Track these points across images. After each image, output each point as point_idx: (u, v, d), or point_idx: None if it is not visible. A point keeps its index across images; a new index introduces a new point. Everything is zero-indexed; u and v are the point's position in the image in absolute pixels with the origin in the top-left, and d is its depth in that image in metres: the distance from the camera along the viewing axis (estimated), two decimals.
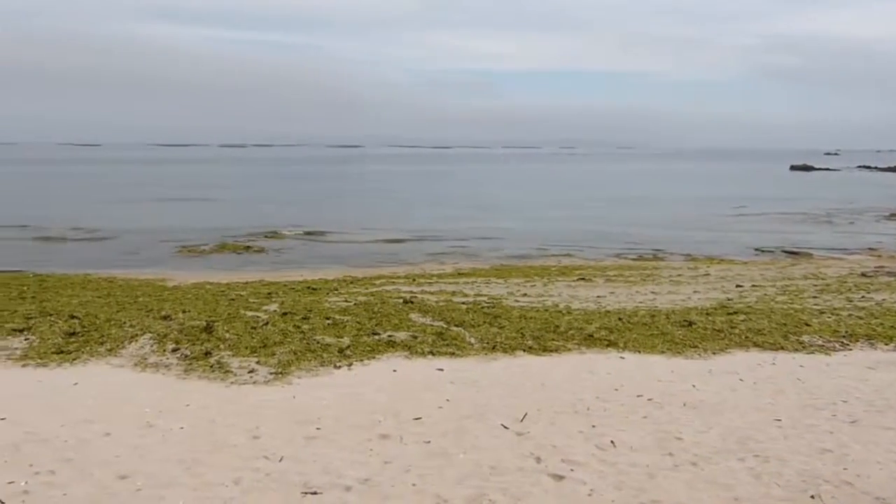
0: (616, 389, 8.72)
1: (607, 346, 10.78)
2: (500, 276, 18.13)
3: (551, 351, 10.50)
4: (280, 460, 6.54)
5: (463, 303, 13.77)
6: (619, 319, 12.35)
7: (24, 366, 9.57)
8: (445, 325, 11.72)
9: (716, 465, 6.57)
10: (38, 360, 9.77)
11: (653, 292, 15.62)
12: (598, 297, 14.90)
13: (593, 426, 7.49)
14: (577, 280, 17.43)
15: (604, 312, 13.05)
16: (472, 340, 10.93)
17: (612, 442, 7.06)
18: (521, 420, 7.65)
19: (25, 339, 10.73)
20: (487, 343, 10.78)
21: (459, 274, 18.69)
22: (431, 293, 14.97)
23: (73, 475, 6.15)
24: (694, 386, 8.93)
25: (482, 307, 13.29)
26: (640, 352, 10.54)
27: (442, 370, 9.50)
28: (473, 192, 58.63)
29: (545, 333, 11.32)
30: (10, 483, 5.95)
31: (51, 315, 12.12)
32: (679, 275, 18.59)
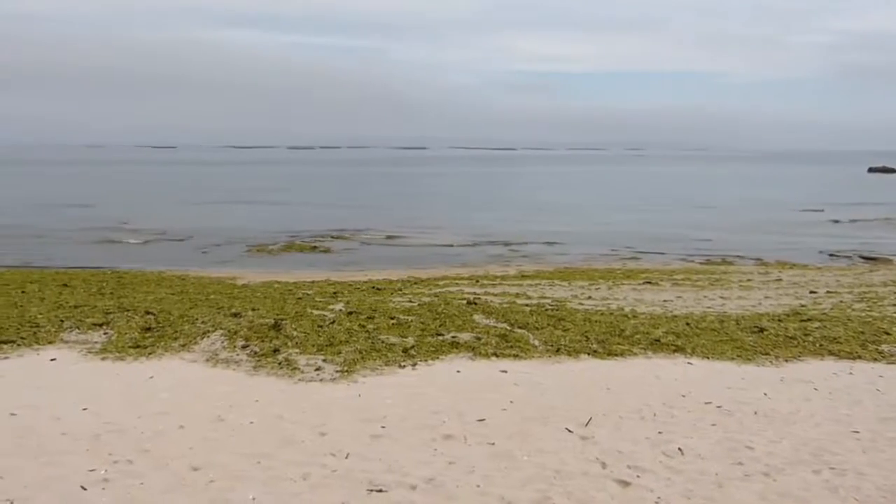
0: (683, 396, 8.54)
1: (674, 351, 10.57)
2: (564, 278, 17.99)
3: (616, 355, 10.36)
4: (346, 457, 6.65)
5: (526, 305, 13.71)
6: (687, 324, 12.09)
7: (103, 359, 9.96)
8: (509, 327, 11.70)
9: (789, 477, 6.37)
10: (117, 354, 10.15)
11: (722, 297, 15.24)
12: (664, 301, 14.63)
13: (660, 432, 7.36)
14: (643, 283, 17.15)
15: (671, 317, 12.81)
16: (536, 343, 10.88)
17: (679, 449, 6.93)
18: (586, 424, 7.58)
19: (104, 334, 11.17)
20: (551, 346, 10.70)
21: (523, 276, 18.62)
22: (495, 295, 14.96)
23: (150, 465, 6.39)
24: (765, 394, 8.68)
25: (546, 309, 13.21)
26: (708, 358, 10.30)
27: (505, 372, 9.49)
28: (537, 193, 58.35)
29: (610, 337, 11.18)
30: (91, 471, 6.22)
31: (128, 311, 12.57)
32: (749, 279, 18.09)
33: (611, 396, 8.50)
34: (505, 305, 13.53)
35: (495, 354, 10.27)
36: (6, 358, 9.93)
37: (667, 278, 18.16)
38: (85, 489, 5.87)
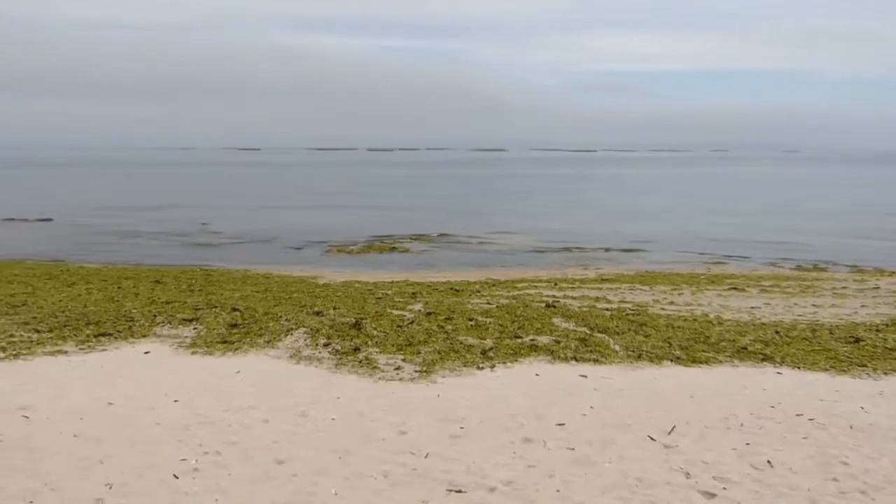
0: (772, 406, 8.23)
1: (762, 360, 10.20)
2: (646, 282, 17.63)
3: (701, 362, 10.08)
4: (426, 456, 6.69)
5: (606, 309, 13.51)
6: (776, 332, 11.67)
7: (193, 353, 10.34)
8: (589, 331, 11.54)
9: (890, 497, 6.04)
10: (205, 349, 10.53)
11: (814, 305, 14.62)
12: (751, 308, 14.14)
13: (747, 444, 7.11)
14: (729, 289, 16.63)
15: (759, 324, 12.38)
16: (617, 348, 10.70)
17: (768, 462, 6.68)
18: (669, 433, 7.40)
19: (194, 329, 11.60)
20: (633, 351, 10.51)
21: (603, 279, 18.34)
22: (574, 298, 14.79)
23: (237, 457, 6.59)
24: (862, 408, 8.27)
25: (627, 314, 12.98)
26: (799, 368, 9.90)
27: (585, 377, 9.37)
28: (617, 196, 57.41)
29: (694, 344, 10.89)
30: (182, 460, 6.47)
31: (215, 307, 13.01)
32: (844, 287, 17.29)
33: (695, 405, 8.27)
34: (584, 309, 13.36)
35: (574, 358, 10.16)
36: (104, 350, 10.44)
37: (754, 284, 17.55)
38: (177, 477, 6.11)
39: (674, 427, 7.53)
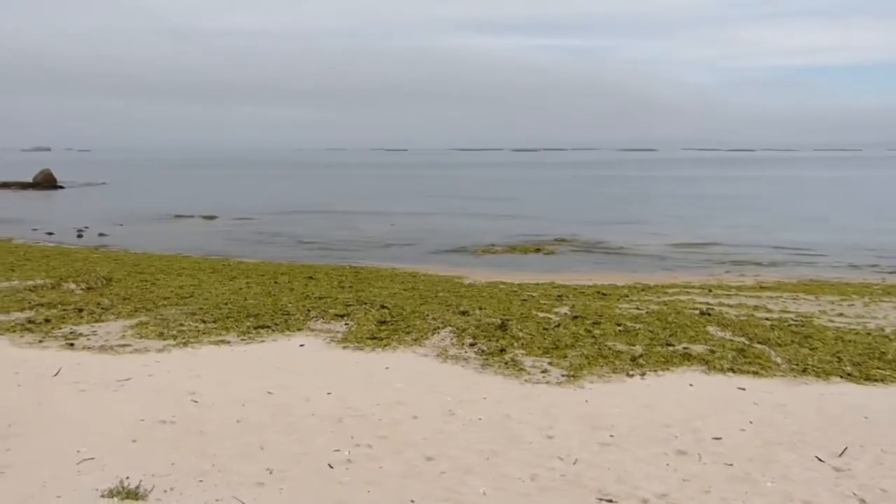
0: None
1: None
2: (810, 291, 16.41)
3: (876, 380, 9.23)
4: (574, 463, 6.54)
5: (767, 319, 12.70)
6: None
7: (344, 348, 10.70)
8: (747, 342, 10.89)
9: None
10: (356, 344, 10.86)
11: None
12: None
13: None
14: None
15: None
16: (779, 360, 10.02)
17: None
18: (840, 454, 6.82)
19: (345, 324, 12.00)
20: (797, 365, 9.80)
21: (762, 287, 17.26)
22: (730, 306, 14.02)
23: (387, 451, 6.73)
24: None
25: (789, 325, 12.14)
26: None
27: (744, 389, 8.83)
28: (777, 198, 54.06)
29: (868, 360, 10.00)
30: (336, 451, 6.69)
31: (365, 304, 13.42)
32: None
33: (870, 426, 7.58)
34: (742, 318, 12.63)
35: (731, 370, 9.61)
36: (263, 341, 11.02)
37: None
38: (332, 467, 6.32)
39: (845, 449, 6.93)
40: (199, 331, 11.44)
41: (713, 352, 10.32)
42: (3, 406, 7.40)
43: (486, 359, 10.04)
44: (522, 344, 10.67)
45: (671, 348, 10.50)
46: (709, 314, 12.86)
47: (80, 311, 12.59)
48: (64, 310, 12.62)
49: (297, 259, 23.30)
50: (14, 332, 11.21)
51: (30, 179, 60.36)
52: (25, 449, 6.32)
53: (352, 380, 9.02)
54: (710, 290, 16.34)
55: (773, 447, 7.00)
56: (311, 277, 17.40)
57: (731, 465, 6.57)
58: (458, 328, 11.49)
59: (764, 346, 10.64)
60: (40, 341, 10.73)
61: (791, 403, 8.31)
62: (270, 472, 6.15)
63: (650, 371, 9.54)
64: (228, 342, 10.90)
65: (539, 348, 10.46)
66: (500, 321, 11.85)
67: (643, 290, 16.45)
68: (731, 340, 10.98)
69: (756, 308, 13.87)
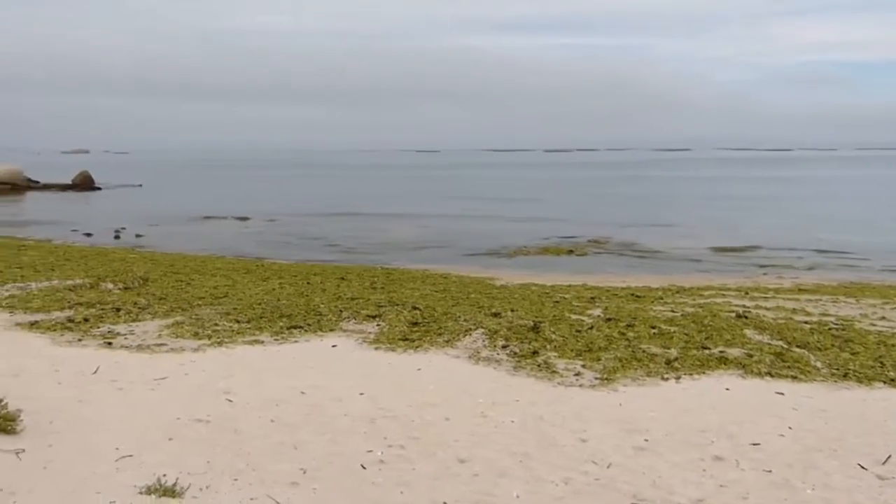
0: None
1: None
2: (851, 294, 16.06)
3: None
4: (608, 467, 6.47)
5: (806, 322, 12.45)
6: None
7: (376, 349, 10.72)
8: (786, 346, 10.69)
9: None
10: (388, 345, 10.87)
11: None
12: None
13: None
14: None
15: None
16: (819, 365, 9.82)
17: None
18: (884, 462, 6.65)
19: (377, 325, 12.03)
20: (837, 369, 9.59)
21: (800, 290, 16.94)
22: (767, 309, 13.78)
23: (420, 452, 6.72)
24: None
25: (829, 328, 11.90)
26: None
27: (782, 394, 8.66)
28: (815, 199, 53.04)
29: None
30: (368, 451, 6.69)
31: (397, 305, 13.43)
32: None
33: None
34: (780, 321, 12.41)
35: (769, 374, 9.44)
36: (296, 342, 11.09)
37: None
38: (364, 468, 6.33)
39: (889, 457, 6.75)
40: (233, 331, 11.54)
41: (750, 355, 10.15)
42: (45, 403, 7.53)
43: (519, 361, 9.99)
44: (555, 346, 10.60)
45: (707, 351, 10.35)
46: (745, 317, 12.65)
47: (118, 310, 12.80)
48: (102, 309, 12.83)
49: (328, 260, 23.45)
50: (55, 330, 11.42)
51: (69, 181, 61.60)
52: (66, 445, 6.43)
53: (384, 381, 9.03)
54: (746, 293, 16.08)
55: (814, 454, 6.85)
56: (342, 278, 17.48)
57: (770, 471, 6.45)
58: (490, 330, 11.46)
59: (803, 350, 10.44)
60: (79, 340, 10.91)
61: (832, 409, 8.13)
62: (304, 472, 6.18)
63: (685, 374, 9.41)
64: (262, 342, 10.99)
65: (572, 350, 10.38)
66: (532, 323, 11.79)
67: (678, 292, 16.25)
68: (769, 344, 10.78)
69: (794, 311, 13.62)
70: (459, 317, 12.41)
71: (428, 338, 11.19)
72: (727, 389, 8.85)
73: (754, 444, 7.04)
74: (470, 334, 11.32)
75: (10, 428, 6.48)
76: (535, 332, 11.27)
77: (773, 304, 14.50)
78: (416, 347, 10.73)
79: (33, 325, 11.70)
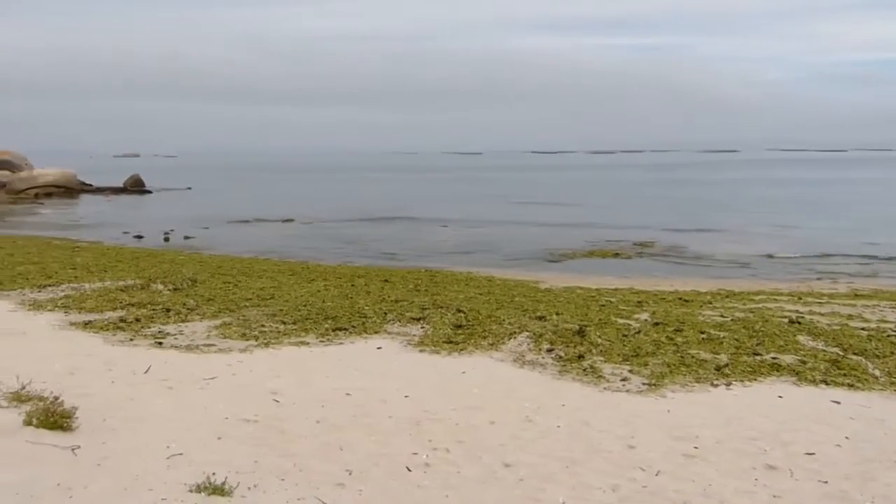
0: None
1: None
2: None
3: None
4: (656, 474, 6.35)
5: (863, 329, 12.08)
6: None
7: (420, 351, 10.72)
8: (841, 353, 10.38)
9: None
10: (432, 348, 10.86)
11: None
12: None
13: None
14: None
15: None
16: (877, 373, 9.51)
17: None
18: None
19: (422, 328, 12.03)
20: None
21: (857, 295, 16.44)
22: (822, 315, 13.40)
23: (465, 455, 6.69)
24: None
25: (889, 335, 11.52)
26: None
27: (838, 403, 8.41)
28: (871, 201, 51.52)
29: None
30: (414, 454, 6.68)
31: (441, 308, 13.42)
32: None
33: None
34: (835, 327, 12.06)
35: (824, 382, 9.18)
36: (341, 344, 11.15)
37: None
38: (410, 470, 6.32)
39: None
40: (279, 332, 11.66)
41: (804, 362, 9.89)
42: (99, 401, 7.70)
43: (564, 365, 9.89)
44: (601, 350, 10.47)
45: (758, 358, 10.11)
46: (799, 323, 12.33)
47: (168, 311, 13.04)
48: (153, 310, 13.09)
49: (372, 262, 23.56)
50: (107, 330, 11.69)
51: (121, 184, 63.13)
52: (119, 443, 6.55)
53: (429, 383, 9.03)
54: (799, 298, 15.67)
55: (872, 465, 6.63)
56: (386, 280, 17.52)
57: (826, 482, 6.26)
58: (534, 333, 11.37)
59: (860, 358, 10.13)
60: (131, 339, 11.15)
61: (891, 419, 7.87)
62: (350, 473, 6.19)
63: (736, 381, 9.21)
64: (308, 343, 11.08)
65: (618, 355, 10.24)
66: (577, 327, 11.66)
67: (727, 296, 15.91)
68: (824, 351, 10.49)
69: (850, 317, 13.21)
70: (504, 320, 12.34)
71: (472, 340, 11.15)
72: (780, 397, 8.63)
73: (809, 454, 6.85)
74: (514, 337, 11.25)
75: (66, 425, 6.63)
76: (580, 336, 11.14)
77: (827, 309, 14.10)
78: (461, 350, 10.70)
79: (87, 325, 11.99)
